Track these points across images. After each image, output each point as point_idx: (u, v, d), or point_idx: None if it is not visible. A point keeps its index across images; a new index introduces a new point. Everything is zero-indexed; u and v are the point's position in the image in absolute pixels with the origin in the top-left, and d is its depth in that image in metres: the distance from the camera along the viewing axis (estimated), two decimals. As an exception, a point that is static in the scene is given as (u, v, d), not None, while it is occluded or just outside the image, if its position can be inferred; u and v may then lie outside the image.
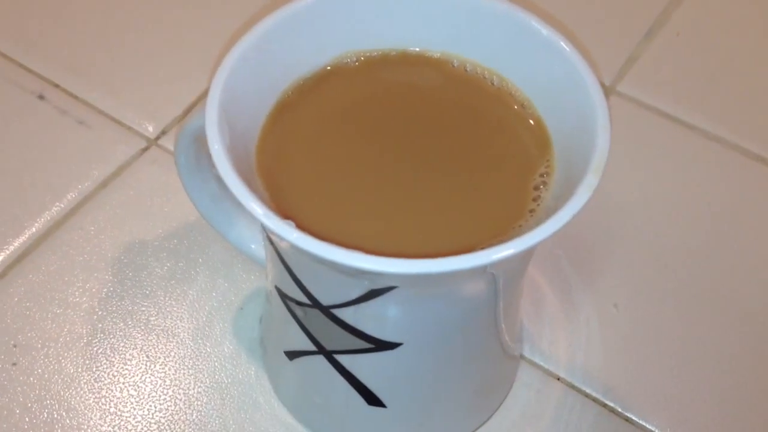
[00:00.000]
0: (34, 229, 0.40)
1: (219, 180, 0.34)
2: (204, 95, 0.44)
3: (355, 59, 0.31)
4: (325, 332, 0.29)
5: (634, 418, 0.35)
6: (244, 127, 0.28)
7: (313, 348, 0.31)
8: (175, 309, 0.37)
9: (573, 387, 0.36)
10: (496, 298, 0.29)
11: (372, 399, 0.31)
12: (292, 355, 0.32)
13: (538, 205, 0.27)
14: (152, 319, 0.37)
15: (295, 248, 0.25)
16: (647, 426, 0.35)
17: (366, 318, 0.28)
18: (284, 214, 0.26)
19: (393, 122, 0.30)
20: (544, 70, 0.29)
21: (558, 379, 0.36)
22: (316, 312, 0.29)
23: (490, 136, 0.29)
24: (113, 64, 0.45)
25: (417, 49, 0.31)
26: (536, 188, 0.28)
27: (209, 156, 0.33)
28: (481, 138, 0.29)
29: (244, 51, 0.28)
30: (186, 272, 0.39)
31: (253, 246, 0.35)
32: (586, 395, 0.36)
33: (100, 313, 0.37)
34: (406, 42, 0.31)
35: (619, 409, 0.35)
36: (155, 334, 0.37)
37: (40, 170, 0.42)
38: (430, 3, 0.30)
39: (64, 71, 0.45)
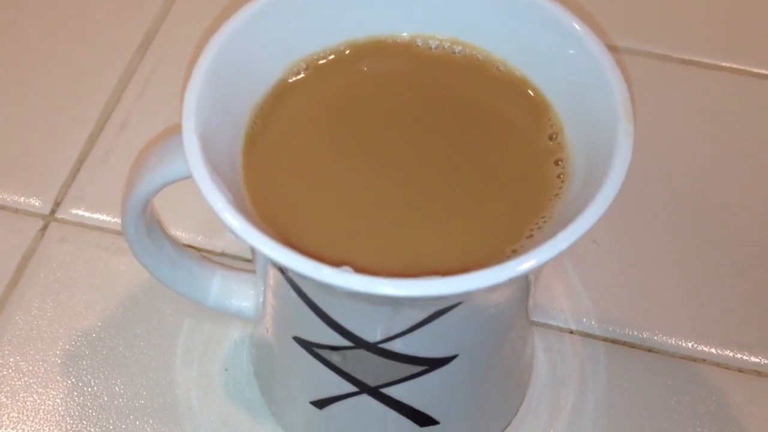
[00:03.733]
0: (-49, 359, 0.34)
1: (174, 243, 0.30)
2: (84, 153, 0.39)
3: (305, 66, 0.27)
4: (371, 369, 0.27)
5: (655, 347, 0.35)
6: (225, 169, 0.24)
7: (353, 389, 0.28)
8: (155, 395, 0.33)
9: (588, 335, 0.35)
10: (530, 283, 0.27)
11: (424, 420, 0.29)
12: (323, 403, 0.29)
13: (562, 181, 0.25)
14: (130, 418, 0.32)
15: (352, 294, 0.21)
16: (669, 350, 0.34)
17: (422, 342, 0.25)
18: (290, 245, 0.22)
19: (374, 123, 0.27)
20: (526, 34, 0.26)
21: (571, 332, 0.35)
22: (359, 352, 0.26)
23: (484, 115, 0.27)
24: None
25: (367, 36, 0.28)
26: (556, 163, 0.26)
27: (159, 221, 0.29)
28: (476, 120, 0.27)
29: (200, 91, 0.24)
30: (148, 349, 0.34)
31: (234, 301, 0.31)
32: (604, 339, 0.35)
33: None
34: (353, 32, 0.28)
35: (639, 343, 0.35)
36: None
37: (-71, 289, 0.35)
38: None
39: None
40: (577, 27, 0.25)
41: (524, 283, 0.26)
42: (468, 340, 0.26)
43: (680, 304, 0.35)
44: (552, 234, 0.23)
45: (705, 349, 0.34)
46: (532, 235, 0.24)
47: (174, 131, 0.25)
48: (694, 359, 0.34)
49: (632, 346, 0.35)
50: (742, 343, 0.34)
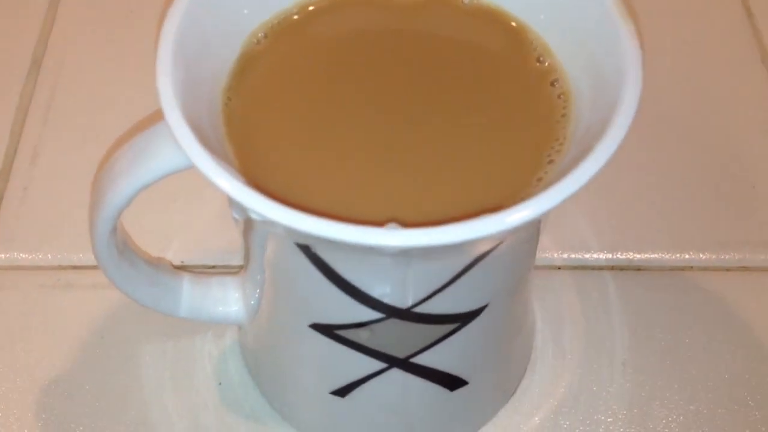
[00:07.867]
0: None
1: (150, 260, 0.27)
2: (0, 192, 0.35)
3: (263, 34, 0.25)
4: (401, 339, 0.25)
5: (642, 265, 0.34)
6: (217, 151, 0.22)
7: (381, 366, 0.26)
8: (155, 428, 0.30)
9: (575, 268, 0.34)
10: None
11: (454, 383, 0.27)
12: (346, 390, 0.27)
13: (565, 101, 0.24)
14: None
15: (404, 251, 0.20)
16: (656, 266, 0.34)
17: (457, 296, 0.24)
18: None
19: (351, 78, 0.25)
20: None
21: (559, 268, 0.34)
22: (390, 323, 0.24)
23: (465, 51, 0.26)
24: None
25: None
26: (552, 84, 0.24)
27: (128, 237, 0.27)
28: (459, 58, 0.25)
29: (172, 78, 0.22)
30: (130, 384, 0.31)
31: (228, 308, 0.28)
32: (592, 268, 0.34)
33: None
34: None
35: (626, 265, 0.34)
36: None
37: None
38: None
39: None
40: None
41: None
42: (498, 285, 0.25)
43: (656, 220, 0.35)
44: (575, 156, 0.22)
45: (689, 256, 0.34)
46: (552, 160, 0.23)
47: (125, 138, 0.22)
48: (682, 268, 0.34)
49: (621, 269, 0.34)
50: (724, 243, 0.35)
